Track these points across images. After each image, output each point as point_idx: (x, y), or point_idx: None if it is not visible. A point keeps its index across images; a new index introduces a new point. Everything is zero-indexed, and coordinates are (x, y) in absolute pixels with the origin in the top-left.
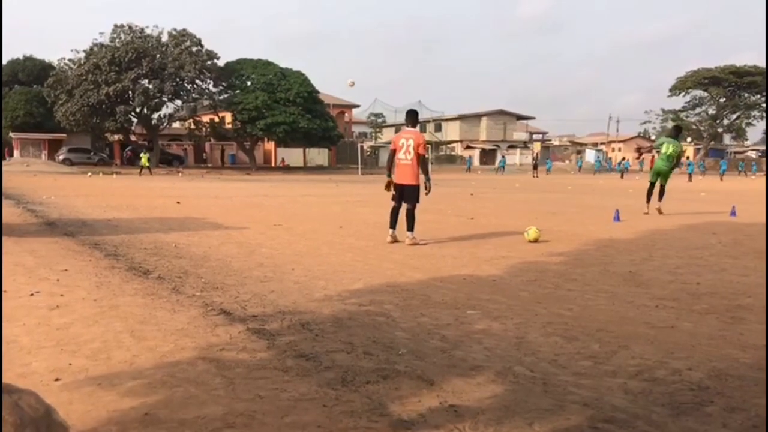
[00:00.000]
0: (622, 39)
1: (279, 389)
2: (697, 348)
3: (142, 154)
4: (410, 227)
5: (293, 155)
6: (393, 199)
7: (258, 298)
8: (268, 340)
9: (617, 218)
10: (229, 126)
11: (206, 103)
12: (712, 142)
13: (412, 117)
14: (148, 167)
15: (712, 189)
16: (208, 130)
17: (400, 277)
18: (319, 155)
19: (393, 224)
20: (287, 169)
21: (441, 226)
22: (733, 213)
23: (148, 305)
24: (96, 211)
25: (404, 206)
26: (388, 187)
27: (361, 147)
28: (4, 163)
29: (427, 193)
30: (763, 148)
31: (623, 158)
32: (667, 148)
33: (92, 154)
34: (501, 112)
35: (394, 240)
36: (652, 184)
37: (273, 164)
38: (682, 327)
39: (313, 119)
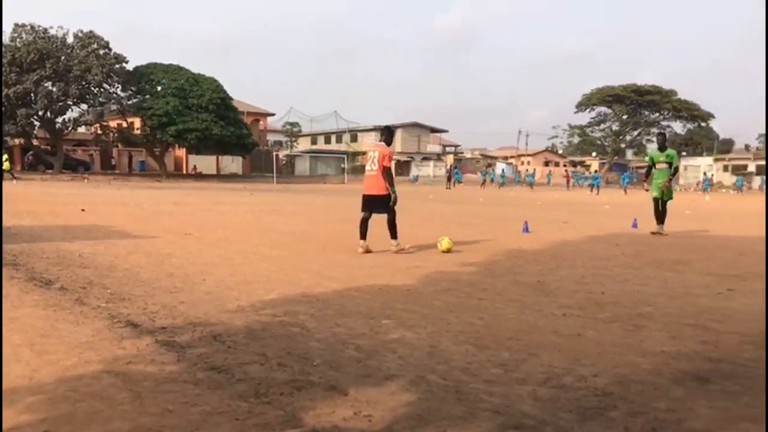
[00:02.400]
0: (532, 55)
1: (189, 403)
2: (601, 355)
3: (5, 158)
4: (393, 235)
5: (206, 163)
6: (363, 210)
7: (167, 309)
8: (177, 353)
9: (526, 229)
10: (138, 132)
11: (114, 107)
12: (616, 157)
13: (384, 133)
14: (9, 171)
15: (616, 202)
16: (116, 135)
17: (316, 286)
18: (233, 163)
19: (362, 235)
20: (199, 176)
21: (357, 236)
22: (634, 225)
23: (49, 317)
24: None
25: (385, 216)
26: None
27: (277, 156)
28: None
29: (392, 204)
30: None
31: (527, 170)
32: (657, 158)
33: None
34: (415, 125)
35: (367, 251)
36: (656, 201)
37: (184, 172)
38: (588, 335)
39: (226, 126)
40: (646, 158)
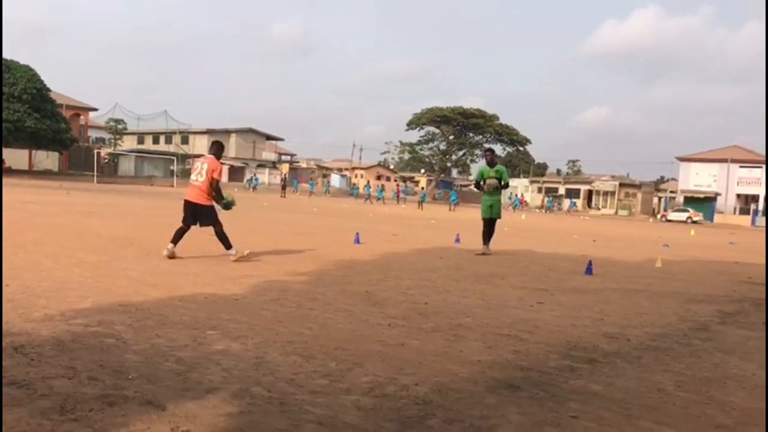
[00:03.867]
0: (367, 71)
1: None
2: (423, 364)
3: None
4: (227, 246)
5: (17, 157)
6: (183, 221)
7: None
8: None
9: (357, 241)
10: None
11: None
12: (442, 175)
13: (214, 147)
14: None
15: (442, 217)
16: None
17: (136, 295)
18: (48, 159)
19: (175, 239)
20: (8, 171)
21: (184, 243)
22: (457, 240)
23: None
24: None
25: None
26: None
27: (98, 153)
28: None
29: (225, 207)
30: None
31: (366, 183)
32: (487, 173)
33: None
34: (250, 131)
35: (172, 256)
36: (485, 220)
37: None
38: (411, 344)
39: (41, 119)
40: (474, 175)
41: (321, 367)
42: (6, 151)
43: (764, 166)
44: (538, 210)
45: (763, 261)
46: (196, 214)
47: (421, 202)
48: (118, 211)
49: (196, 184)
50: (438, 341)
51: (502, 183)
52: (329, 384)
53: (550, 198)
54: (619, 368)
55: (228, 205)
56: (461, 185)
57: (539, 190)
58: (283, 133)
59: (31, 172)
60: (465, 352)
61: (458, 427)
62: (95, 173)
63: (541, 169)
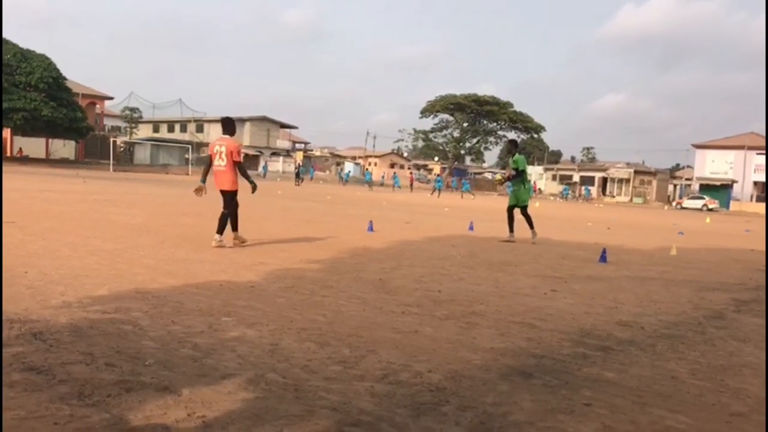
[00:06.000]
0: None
1: (2, 407)
2: (437, 351)
3: None
4: (220, 230)
5: (34, 146)
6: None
7: None
8: None
9: (371, 228)
10: None
11: None
12: (456, 163)
13: (226, 124)
14: None
15: (455, 205)
16: None
17: (152, 283)
18: (64, 147)
19: (220, 230)
20: (25, 160)
21: (200, 231)
22: (471, 228)
23: None
24: None
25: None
26: (197, 192)
27: (114, 142)
28: None
29: (252, 192)
30: (497, 170)
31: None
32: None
33: None
34: (264, 119)
35: (221, 245)
36: (510, 209)
37: (9, 154)
38: (425, 332)
39: (58, 108)
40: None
41: (335, 354)
42: (23, 140)
43: (764, 154)
44: (552, 198)
45: None
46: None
47: (437, 190)
48: (134, 199)
49: (220, 170)
50: (451, 328)
51: (519, 171)
52: (343, 370)
53: (566, 186)
54: (633, 356)
55: (254, 188)
56: (475, 173)
57: (553, 177)
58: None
59: (47, 161)
60: (478, 340)
61: (471, 413)
62: (111, 162)
63: (555, 157)
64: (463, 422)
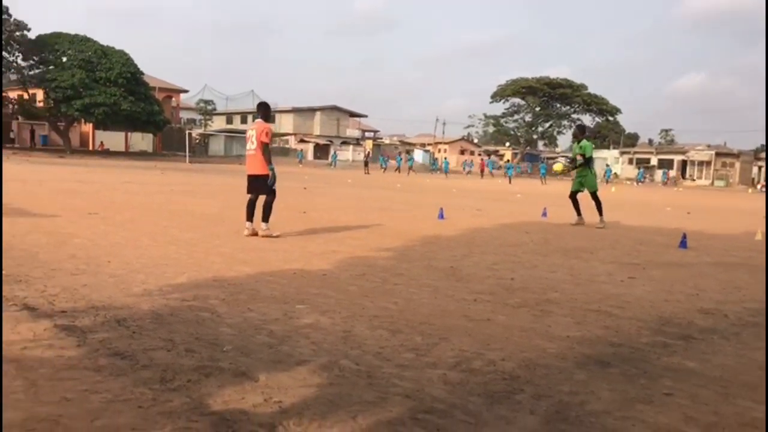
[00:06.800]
0: (449, 44)
1: (89, 391)
2: (510, 339)
3: None
4: (265, 218)
5: (114, 139)
6: (248, 192)
7: (68, 292)
8: (78, 338)
9: (441, 216)
10: (41, 104)
11: (14, 77)
12: (528, 148)
13: (261, 109)
14: None
15: (528, 191)
16: (16, 107)
17: (228, 271)
18: (143, 140)
19: (249, 217)
20: (106, 153)
21: (272, 220)
22: (544, 214)
23: None
24: None
25: (261, 198)
26: None
27: (190, 134)
28: None
29: (271, 183)
30: (570, 155)
31: (444, 158)
32: (574, 151)
33: None
34: (334, 108)
35: (253, 233)
36: (573, 193)
37: (91, 148)
38: (497, 320)
39: (136, 102)
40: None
41: (407, 342)
42: (104, 134)
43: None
44: (628, 182)
45: None
46: (254, 185)
47: (508, 176)
48: (210, 189)
49: (251, 153)
50: (525, 317)
51: (585, 157)
52: (415, 358)
53: (641, 169)
54: (716, 345)
55: (273, 179)
56: (547, 158)
57: (630, 161)
58: (367, 110)
59: (127, 153)
60: (553, 328)
61: (547, 402)
62: (187, 153)
63: (631, 140)
64: (538, 411)
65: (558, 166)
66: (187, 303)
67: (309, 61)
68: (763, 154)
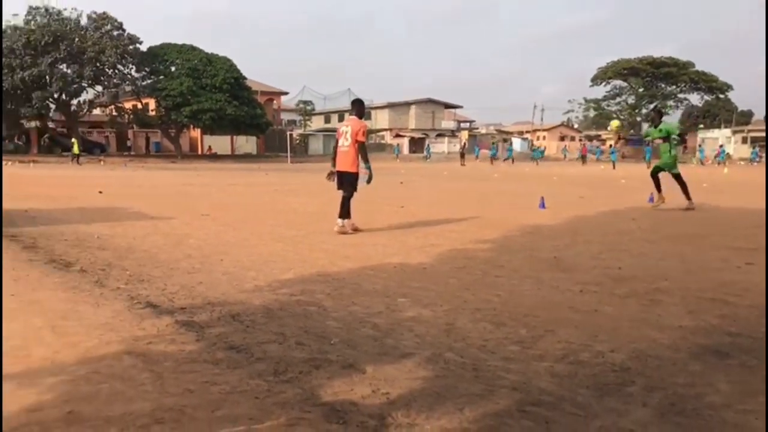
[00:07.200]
0: (544, 28)
1: (209, 382)
2: (618, 330)
3: (73, 141)
4: (342, 214)
5: (220, 143)
6: (339, 188)
7: (186, 289)
8: (197, 333)
9: (542, 205)
10: (153, 113)
11: (128, 88)
12: (632, 131)
13: (355, 106)
14: (78, 155)
15: (632, 176)
16: (131, 117)
17: (331, 266)
18: (247, 143)
19: (342, 214)
20: (214, 157)
21: (371, 215)
22: (651, 199)
23: (69, 299)
24: (11, 201)
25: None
26: (329, 177)
27: (291, 135)
28: None
29: (368, 181)
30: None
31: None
32: (653, 135)
33: (6, 141)
34: (429, 101)
35: (355, 229)
36: (655, 170)
37: (199, 152)
38: (605, 310)
39: (240, 106)
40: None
41: (512, 334)
42: (211, 138)
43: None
44: (741, 162)
45: None
46: (342, 180)
47: (612, 161)
48: (311, 188)
49: (343, 150)
50: (634, 307)
51: (672, 138)
52: (521, 350)
53: (755, 149)
54: None
55: (370, 177)
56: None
57: (744, 140)
58: (462, 100)
59: (233, 156)
60: (664, 318)
61: (660, 394)
62: (288, 154)
63: (745, 118)
64: (651, 403)
65: (615, 123)
66: (295, 298)
67: (402, 56)
68: None
